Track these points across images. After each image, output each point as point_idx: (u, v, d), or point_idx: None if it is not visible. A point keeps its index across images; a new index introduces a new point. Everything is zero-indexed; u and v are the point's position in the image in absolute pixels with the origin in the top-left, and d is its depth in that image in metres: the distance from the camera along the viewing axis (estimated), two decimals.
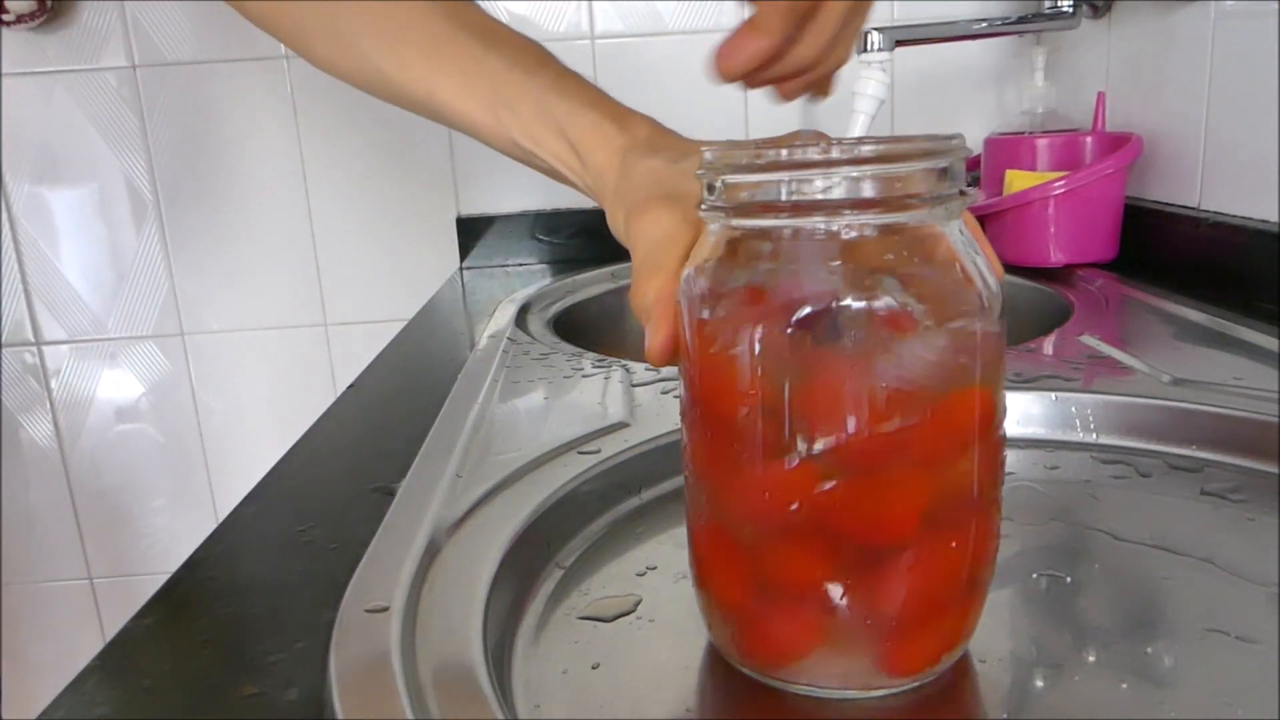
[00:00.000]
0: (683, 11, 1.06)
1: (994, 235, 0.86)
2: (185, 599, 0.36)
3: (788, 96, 0.45)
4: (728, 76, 0.40)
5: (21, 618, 1.18)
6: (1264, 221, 0.70)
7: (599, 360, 0.64)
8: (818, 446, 0.27)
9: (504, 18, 0.49)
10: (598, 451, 0.45)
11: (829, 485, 0.27)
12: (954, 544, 0.28)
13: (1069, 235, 0.84)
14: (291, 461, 0.50)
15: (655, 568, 0.38)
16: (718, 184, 0.28)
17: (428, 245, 1.12)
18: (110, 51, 1.05)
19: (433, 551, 0.36)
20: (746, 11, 0.41)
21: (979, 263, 0.28)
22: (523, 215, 1.11)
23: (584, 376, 0.60)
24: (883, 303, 0.26)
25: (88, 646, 1.15)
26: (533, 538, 0.38)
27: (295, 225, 1.11)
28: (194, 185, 1.09)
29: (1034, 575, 0.37)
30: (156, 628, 0.34)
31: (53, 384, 1.13)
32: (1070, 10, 0.91)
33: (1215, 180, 0.77)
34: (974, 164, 0.96)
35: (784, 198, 0.27)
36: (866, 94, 0.59)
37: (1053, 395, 0.50)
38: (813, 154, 0.27)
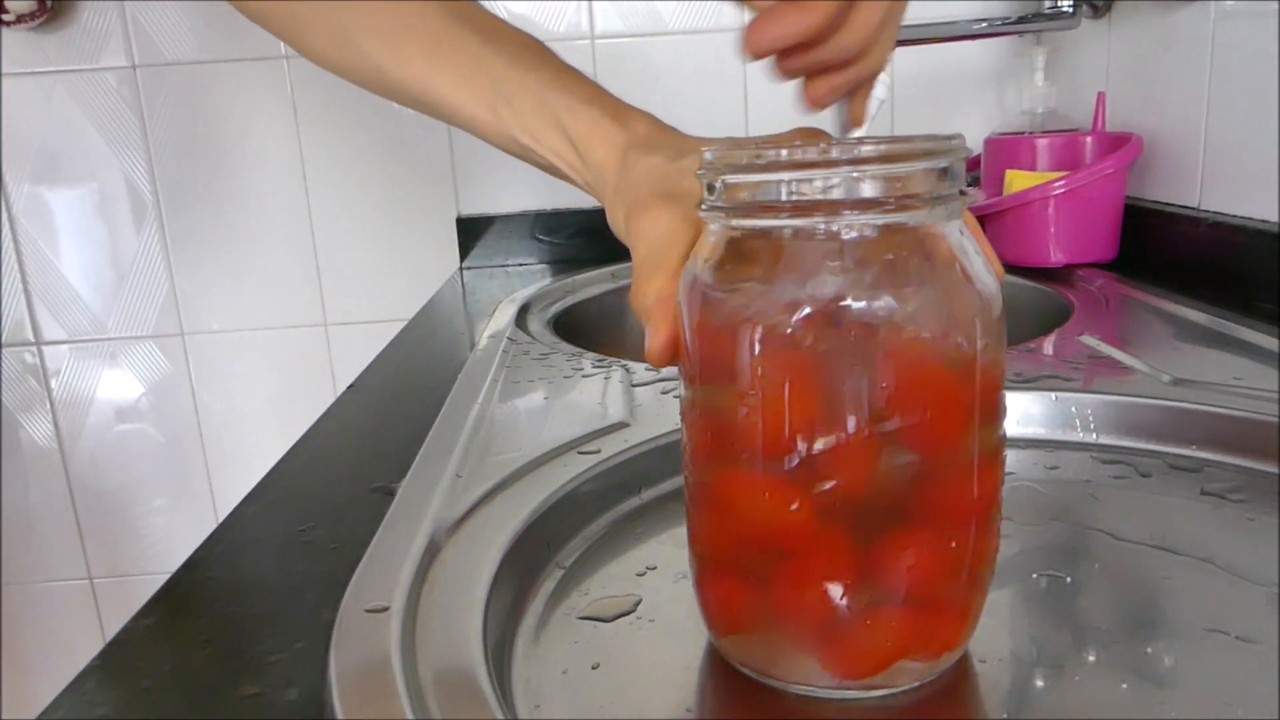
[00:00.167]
0: (683, 11, 1.06)
1: (994, 235, 0.86)
2: (185, 599, 0.36)
3: (814, 99, 0.39)
4: (757, 52, 0.36)
5: (21, 618, 1.18)
6: (1264, 221, 0.70)
7: (599, 360, 0.64)
8: (817, 446, 0.27)
9: (504, 17, 0.49)
10: (598, 451, 0.45)
11: (829, 485, 0.27)
12: (954, 544, 0.28)
13: (1069, 235, 0.84)
14: (291, 461, 0.50)
15: (655, 568, 0.38)
16: (718, 184, 0.28)
17: (428, 245, 1.12)
18: (110, 51, 1.05)
19: (433, 551, 0.36)
20: (747, 15, 0.39)
21: (979, 263, 0.28)
22: (523, 215, 1.11)
23: (584, 376, 0.60)
24: (883, 303, 0.26)
25: (88, 646, 1.15)
26: (533, 538, 0.38)
27: (295, 225, 1.11)
28: (194, 185, 1.09)
29: (1034, 575, 0.37)
30: (156, 628, 0.34)
31: (53, 384, 1.13)
32: (1070, 10, 0.91)
33: (1215, 180, 0.77)
34: (974, 164, 0.96)
35: (784, 198, 0.27)
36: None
37: (1053, 395, 0.50)
38: (813, 154, 0.27)
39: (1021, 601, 0.35)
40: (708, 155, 0.29)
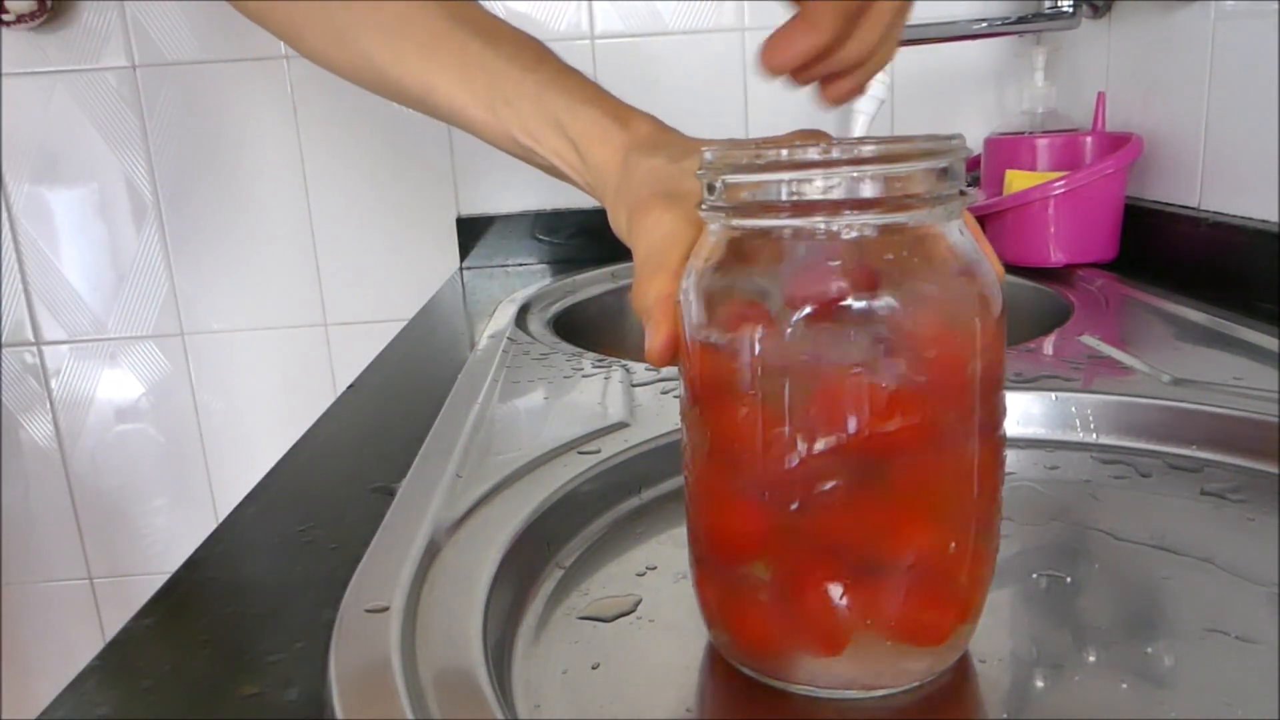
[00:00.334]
0: (683, 11, 1.06)
1: (994, 235, 0.86)
2: (185, 599, 0.36)
3: (833, 99, 0.42)
4: (774, 71, 0.38)
5: (21, 618, 1.18)
6: (1264, 221, 0.70)
7: (599, 360, 0.64)
8: (817, 447, 0.27)
9: (504, 17, 0.49)
10: (598, 451, 0.45)
11: (829, 485, 0.27)
12: (954, 544, 0.28)
13: (1069, 235, 0.84)
14: (291, 461, 0.50)
15: (655, 568, 0.38)
16: (718, 184, 0.28)
17: (428, 245, 1.12)
18: (110, 51, 1.05)
19: (433, 551, 0.36)
20: (767, 13, 0.41)
21: (979, 263, 0.28)
22: (523, 215, 1.11)
23: (584, 376, 0.60)
24: (883, 303, 0.26)
25: (88, 646, 1.15)
26: (533, 538, 0.38)
27: (295, 225, 1.11)
28: (194, 185, 1.09)
29: (1034, 575, 0.37)
30: (156, 628, 0.34)
31: (53, 384, 1.13)
32: (1070, 10, 0.91)
33: (1215, 180, 0.77)
34: (974, 164, 0.96)
35: (784, 198, 0.27)
36: (867, 94, 0.60)
37: (1053, 395, 0.50)
38: (813, 154, 0.27)
39: (1021, 601, 0.35)
40: (708, 155, 0.29)
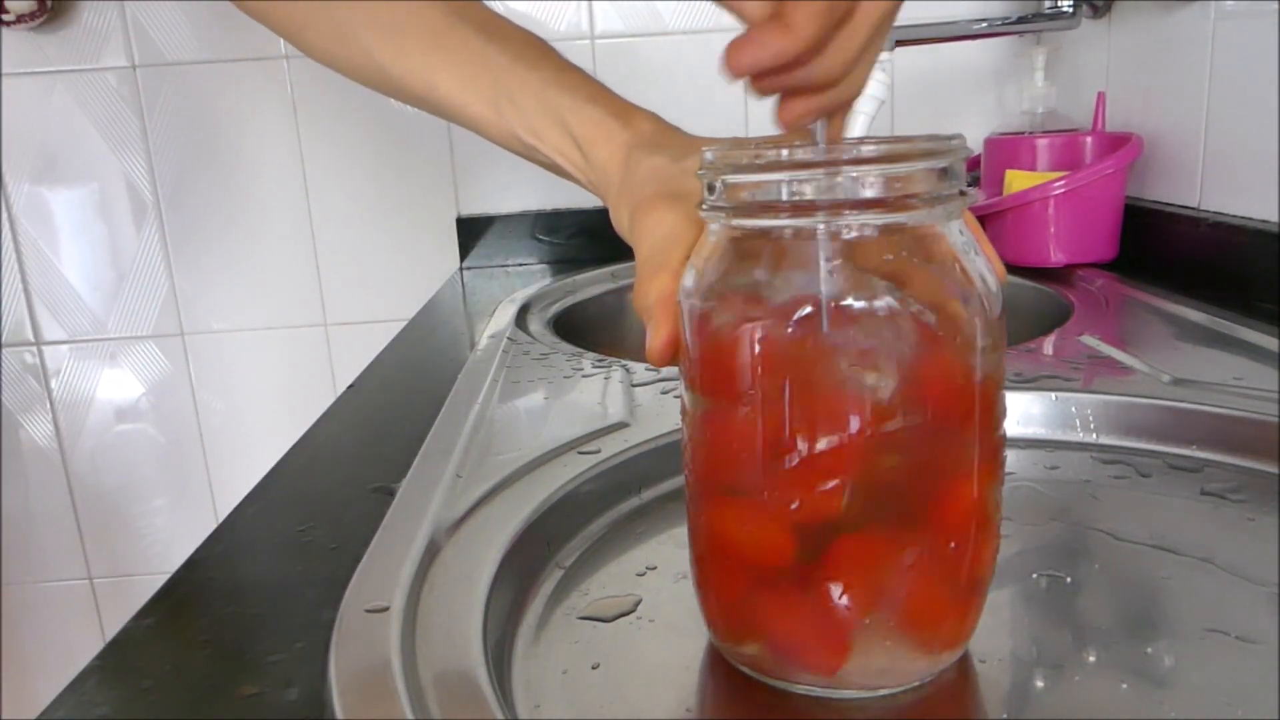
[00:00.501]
0: (683, 11, 1.06)
1: (994, 235, 0.86)
2: (185, 599, 0.36)
3: (789, 119, 0.35)
4: (736, 73, 0.33)
5: (21, 618, 1.18)
6: (1264, 221, 0.70)
7: (599, 360, 0.64)
8: (818, 446, 0.27)
9: None
10: (598, 451, 0.45)
11: (829, 485, 0.27)
12: (954, 544, 0.28)
13: (1069, 235, 0.84)
14: (291, 461, 0.50)
15: (655, 568, 0.38)
16: (718, 184, 0.28)
17: (428, 245, 1.12)
18: (110, 51, 1.05)
19: (433, 551, 0.36)
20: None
21: (979, 263, 0.28)
22: (523, 215, 1.11)
23: (584, 376, 0.60)
24: (883, 303, 0.26)
25: (88, 646, 1.15)
26: (533, 538, 0.38)
27: (295, 225, 1.11)
28: (194, 185, 1.09)
29: (1034, 575, 0.37)
30: (156, 628, 0.34)
31: (53, 384, 1.13)
32: (1070, 10, 0.91)
33: (1215, 180, 0.77)
34: (974, 164, 0.96)
35: (784, 198, 0.27)
36: (866, 94, 0.59)
37: (1053, 395, 0.50)
38: (813, 154, 0.27)
39: (1021, 601, 0.35)
40: (708, 155, 0.29)
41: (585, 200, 1.10)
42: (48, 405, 1.14)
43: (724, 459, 0.29)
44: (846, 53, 0.33)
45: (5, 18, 1.00)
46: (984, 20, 0.95)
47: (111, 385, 1.14)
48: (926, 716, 0.29)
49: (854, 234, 0.27)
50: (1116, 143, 0.84)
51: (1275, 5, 0.67)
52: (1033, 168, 0.88)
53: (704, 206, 0.29)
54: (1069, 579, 0.37)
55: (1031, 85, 0.93)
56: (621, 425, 0.49)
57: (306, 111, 1.08)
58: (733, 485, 0.29)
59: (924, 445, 0.27)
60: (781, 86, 0.35)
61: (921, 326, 0.27)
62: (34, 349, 1.12)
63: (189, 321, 1.13)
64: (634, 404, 0.53)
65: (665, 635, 0.34)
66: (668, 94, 1.07)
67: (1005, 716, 0.29)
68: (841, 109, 0.37)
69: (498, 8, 1.05)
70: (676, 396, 0.54)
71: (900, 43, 0.88)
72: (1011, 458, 0.43)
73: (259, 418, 1.16)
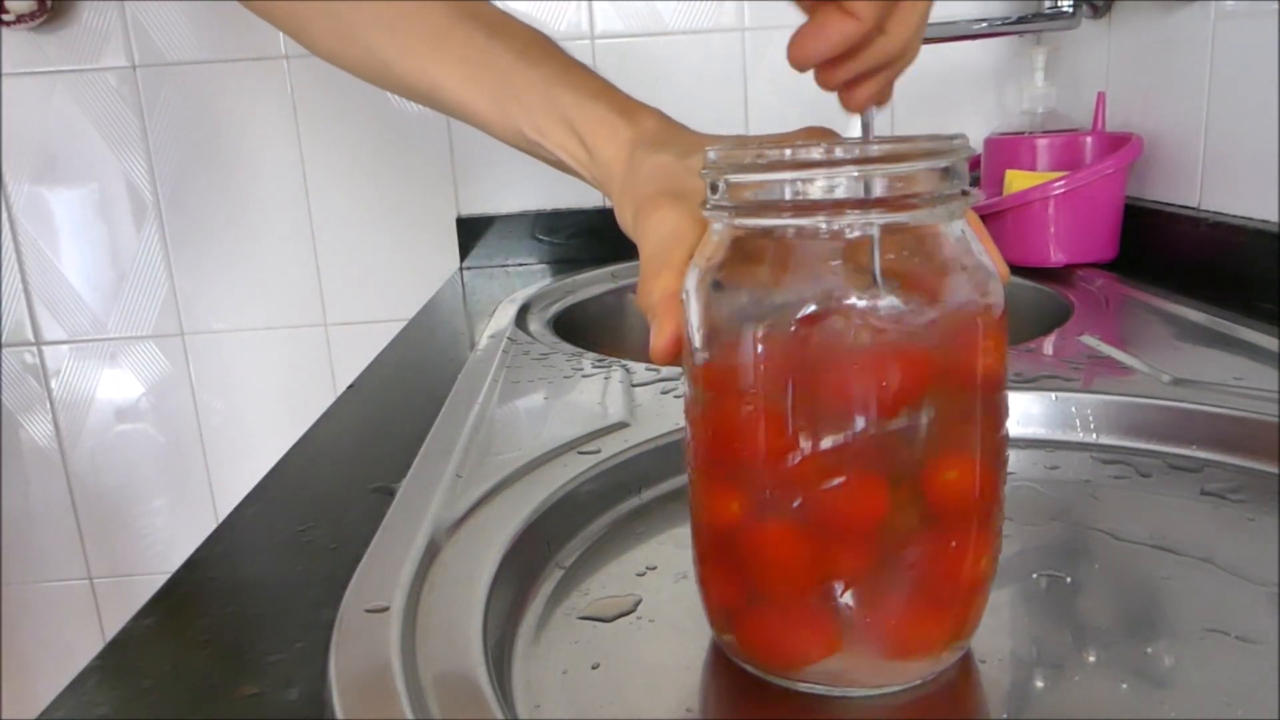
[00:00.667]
0: (683, 11, 1.06)
1: (994, 235, 0.85)
2: (185, 599, 0.36)
3: (859, 105, 0.37)
4: (803, 64, 0.34)
5: (21, 618, 1.18)
6: (1264, 221, 0.70)
7: (599, 360, 0.64)
8: (820, 445, 0.27)
9: None
10: (598, 451, 0.45)
11: (831, 484, 0.27)
12: (954, 544, 0.28)
13: (1069, 235, 0.84)
14: (291, 461, 0.50)
15: (655, 568, 0.38)
16: (721, 183, 0.28)
17: (428, 245, 1.12)
18: (110, 51, 1.05)
19: (433, 551, 0.36)
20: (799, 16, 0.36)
21: (981, 263, 0.28)
22: (523, 215, 1.11)
23: (584, 376, 0.60)
24: (885, 302, 0.26)
25: (88, 646, 1.15)
26: (533, 538, 0.38)
27: (295, 225, 1.11)
28: (194, 185, 1.09)
29: (1034, 575, 0.37)
30: (156, 628, 0.34)
31: (53, 384, 1.13)
32: (1070, 10, 0.91)
33: (1215, 180, 0.77)
34: (974, 164, 0.96)
35: (787, 197, 0.27)
36: None
37: (1053, 395, 0.50)
38: (816, 154, 0.27)
39: (1021, 601, 0.35)
40: (711, 155, 0.29)
41: (585, 200, 1.10)
42: (48, 405, 1.14)
43: (726, 457, 0.29)
44: (909, 27, 0.34)
45: (5, 18, 1.00)
46: (984, 20, 0.95)
47: (111, 385, 1.14)
48: (926, 716, 0.29)
49: (856, 233, 0.27)
50: (1116, 143, 0.84)
51: (1275, 5, 0.67)
52: (1033, 168, 0.88)
53: (707, 206, 0.29)
54: (1069, 579, 0.37)
55: (1031, 85, 0.93)
56: (621, 425, 0.49)
57: (306, 111, 1.08)
58: (735, 483, 0.29)
59: (925, 445, 0.27)
60: (847, 74, 0.35)
61: (923, 326, 0.27)
62: (34, 349, 1.12)
63: (189, 321, 1.13)
64: (634, 404, 0.53)
65: (665, 635, 0.34)
66: (667, 94, 1.06)
67: (1005, 716, 0.29)
68: (895, 78, 0.38)
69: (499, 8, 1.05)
70: (677, 396, 0.53)
71: None
72: (1011, 458, 0.43)
73: (259, 418, 1.16)
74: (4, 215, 1.08)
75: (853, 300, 0.26)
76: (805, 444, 0.27)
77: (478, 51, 0.46)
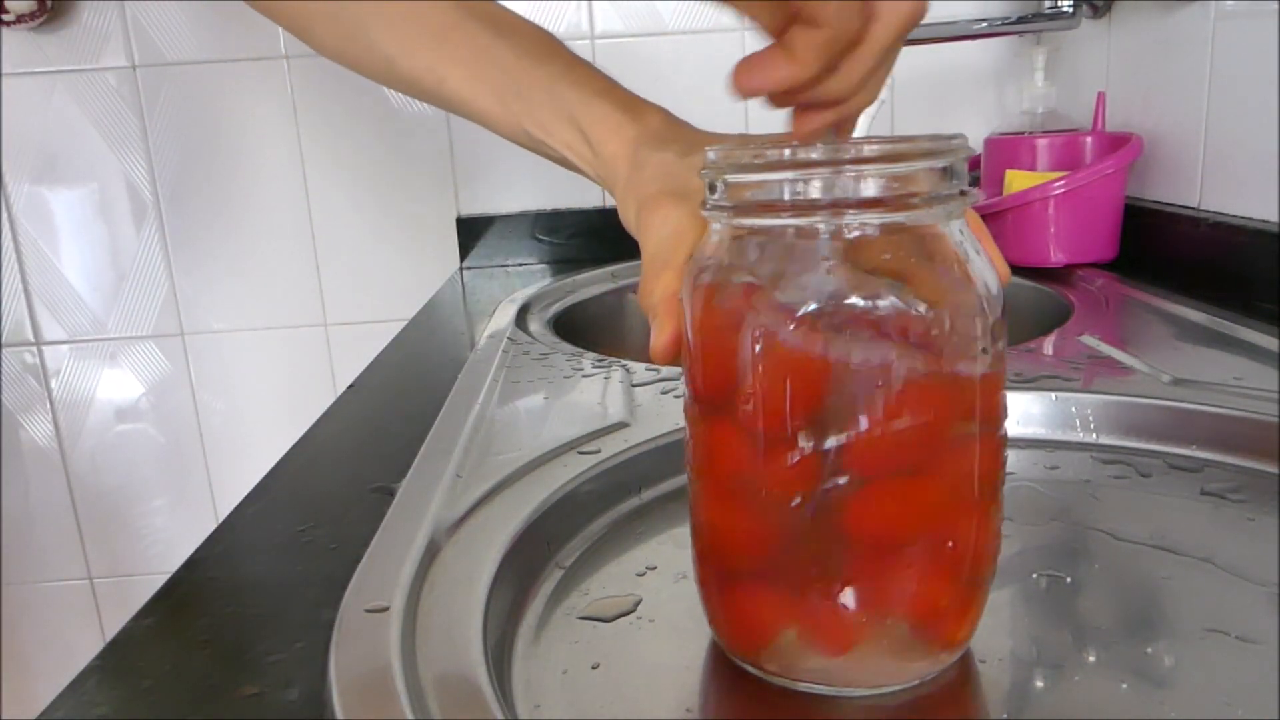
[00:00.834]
0: (683, 11, 1.06)
1: (994, 235, 0.85)
2: (185, 599, 0.36)
3: (804, 133, 0.37)
4: (744, 95, 0.35)
5: (21, 618, 1.18)
6: (1264, 221, 0.70)
7: (599, 360, 0.64)
8: (819, 445, 0.27)
9: None
10: (598, 451, 0.45)
11: (830, 484, 0.27)
12: (954, 544, 0.28)
13: (1069, 235, 0.84)
14: (291, 461, 0.50)
15: (655, 568, 0.38)
16: (720, 184, 0.28)
17: (428, 245, 1.12)
18: (110, 51, 1.05)
19: (433, 551, 0.36)
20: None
21: (980, 263, 0.28)
22: (523, 215, 1.11)
23: (584, 376, 0.60)
24: (884, 302, 0.26)
25: (88, 646, 1.15)
26: (533, 538, 0.38)
27: (295, 225, 1.11)
28: (194, 185, 1.09)
29: (1034, 575, 0.37)
30: (156, 628, 0.34)
31: (53, 384, 1.13)
32: (1070, 10, 0.91)
33: (1215, 180, 0.77)
34: (974, 164, 0.96)
35: (786, 197, 0.27)
36: None
37: (1053, 395, 0.50)
38: (815, 154, 0.27)
39: (1021, 601, 0.35)
40: (710, 155, 0.29)
41: (585, 200, 1.10)
42: (48, 405, 1.14)
43: (725, 456, 0.29)
44: (855, 75, 0.34)
45: (5, 18, 1.00)
46: (984, 20, 0.95)
47: (111, 385, 1.14)
48: (926, 716, 0.29)
49: (855, 233, 0.27)
50: (1116, 143, 0.84)
51: (1275, 5, 0.67)
52: (1033, 168, 0.88)
53: (706, 206, 0.29)
54: (1069, 579, 0.37)
55: (1031, 85, 0.93)
56: (621, 425, 0.49)
57: (306, 111, 1.08)
58: (734, 482, 0.29)
59: (925, 445, 0.27)
60: (794, 103, 0.36)
61: (922, 326, 0.27)
62: (34, 349, 1.12)
63: (189, 321, 1.13)
64: (634, 404, 0.53)
65: (665, 635, 0.34)
66: (667, 94, 1.06)
67: (1005, 716, 0.29)
68: (853, 117, 0.37)
69: None
70: (677, 396, 0.54)
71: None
72: (1011, 458, 0.43)
73: (259, 418, 1.16)
74: (4, 215, 1.08)
75: (852, 300, 0.26)
76: (804, 444, 0.27)
77: (481, 49, 0.46)
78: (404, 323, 0.85)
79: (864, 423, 0.27)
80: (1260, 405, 0.47)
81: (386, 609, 0.32)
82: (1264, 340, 0.59)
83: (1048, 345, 0.63)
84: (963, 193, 0.28)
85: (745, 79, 0.34)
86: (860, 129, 0.82)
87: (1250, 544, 0.39)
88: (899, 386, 0.26)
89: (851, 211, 0.26)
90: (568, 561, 0.39)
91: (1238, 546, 0.38)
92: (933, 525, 0.28)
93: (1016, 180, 0.87)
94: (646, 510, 0.44)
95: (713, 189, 0.29)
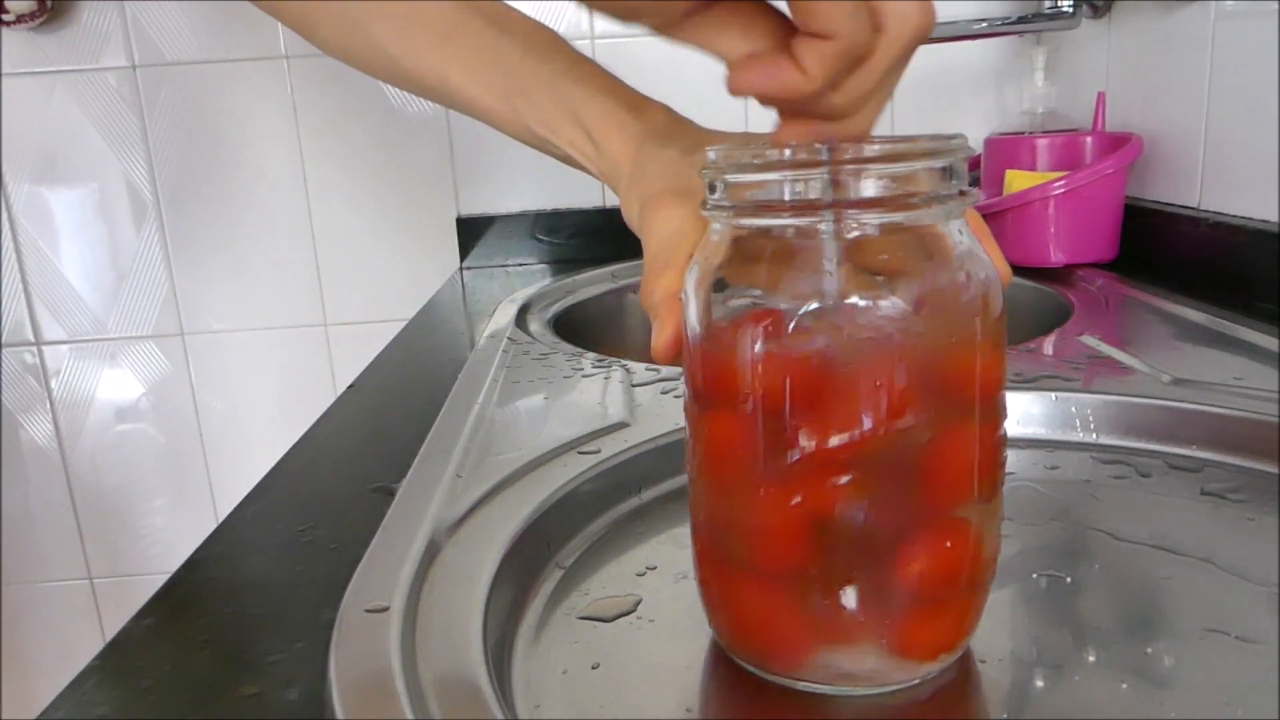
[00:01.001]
0: None
1: (994, 235, 0.86)
2: (185, 599, 0.36)
3: (779, 141, 0.35)
4: (739, 93, 0.33)
5: (21, 618, 1.18)
6: (1264, 221, 0.70)
7: (599, 360, 0.64)
8: (819, 444, 0.27)
9: None
10: (598, 451, 0.45)
11: (829, 483, 0.27)
12: (953, 544, 0.28)
13: (1069, 235, 0.84)
14: (291, 461, 0.50)
15: (655, 568, 0.38)
16: (720, 183, 0.28)
17: (428, 245, 1.12)
18: (110, 51, 1.05)
19: (433, 551, 0.36)
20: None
21: (980, 263, 0.28)
22: (523, 215, 1.11)
23: (584, 376, 0.60)
24: (884, 302, 0.26)
25: (88, 646, 1.15)
26: (533, 538, 0.38)
27: (295, 225, 1.11)
28: (194, 185, 1.09)
29: (1034, 575, 0.37)
30: (156, 628, 0.34)
31: (53, 384, 1.13)
32: (1070, 10, 0.91)
33: (1215, 180, 0.77)
34: (974, 164, 0.96)
35: (786, 197, 0.27)
36: None
37: (1053, 395, 0.50)
38: (815, 154, 0.27)
39: (1021, 601, 0.35)
40: (711, 155, 0.29)
41: (585, 200, 1.10)
42: (48, 405, 1.14)
43: (725, 455, 0.29)
44: (857, 93, 0.33)
45: (5, 18, 1.00)
46: (984, 20, 0.95)
47: (111, 385, 1.14)
48: (926, 716, 0.29)
49: (855, 233, 0.27)
50: (1116, 143, 0.84)
51: (1275, 5, 0.67)
52: (1033, 168, 0.88)
53: (707, 206, 0.29)
54: (1069, 579, 0.37)
55: (1031, 85, 0.93)
56: (621, 425, 0.49)
57: (306, 111, 1.08)
58: (734, 481, 0.29)
59: (924, 444, 0.27)
60: (785, 108, 0.35)
61: (922, 326, 0.27)
62: (34, 349, 1.12)
63: (189, 321, 1.13)
64: (634, 404, 0.53)
65: (665, 635, 0.34)
66: (667, 94, 1.06)
67: (1005, 716, 0.29)
68: (840, 139, 0.36)
69: None
70: (676, 396, 0.54)
71: None
72: (1011, 458, 0.43)
73: (259, 418, 1.16)
74: (4, 215, 1.08)
75: (852, 300, 0.26)
76: (804, 443, 0.27)
77: (485, 47, 0.46)
78: (404, 323, 0.85)
79: (864, 422, 0.27)
80: (1260, 405, 0.47)
81: (386, 609, 0.32)
82: (1264, 340, 0.59)
83: (1048, 345, 0.63)
84: (963, 193, 0.28)
85: (745, 79, 0.33)
86: None
87: (1250, 544, 0.39)
88: (899, 386, 0.27)
89: (851, 211, 0.26)
90: (568, 561, 0.39)
91: (1238, 546, 0.38)
92: (932, 526, 0.28)
93: (1016, 180, 0.87)
94: (646, 510, 0.44)
95: (713, 189, 0.29)
